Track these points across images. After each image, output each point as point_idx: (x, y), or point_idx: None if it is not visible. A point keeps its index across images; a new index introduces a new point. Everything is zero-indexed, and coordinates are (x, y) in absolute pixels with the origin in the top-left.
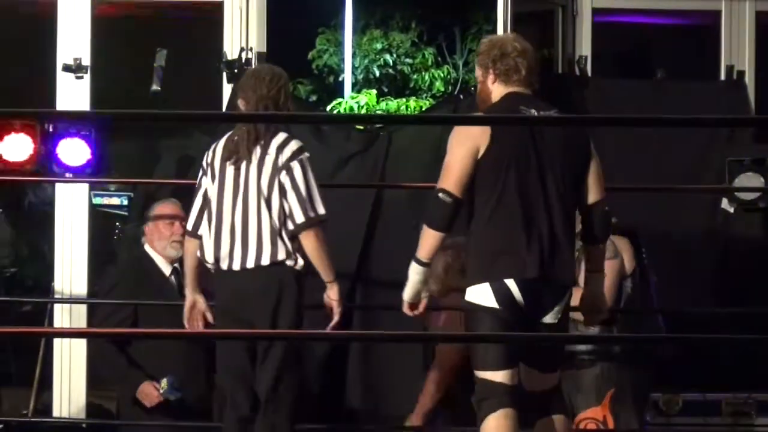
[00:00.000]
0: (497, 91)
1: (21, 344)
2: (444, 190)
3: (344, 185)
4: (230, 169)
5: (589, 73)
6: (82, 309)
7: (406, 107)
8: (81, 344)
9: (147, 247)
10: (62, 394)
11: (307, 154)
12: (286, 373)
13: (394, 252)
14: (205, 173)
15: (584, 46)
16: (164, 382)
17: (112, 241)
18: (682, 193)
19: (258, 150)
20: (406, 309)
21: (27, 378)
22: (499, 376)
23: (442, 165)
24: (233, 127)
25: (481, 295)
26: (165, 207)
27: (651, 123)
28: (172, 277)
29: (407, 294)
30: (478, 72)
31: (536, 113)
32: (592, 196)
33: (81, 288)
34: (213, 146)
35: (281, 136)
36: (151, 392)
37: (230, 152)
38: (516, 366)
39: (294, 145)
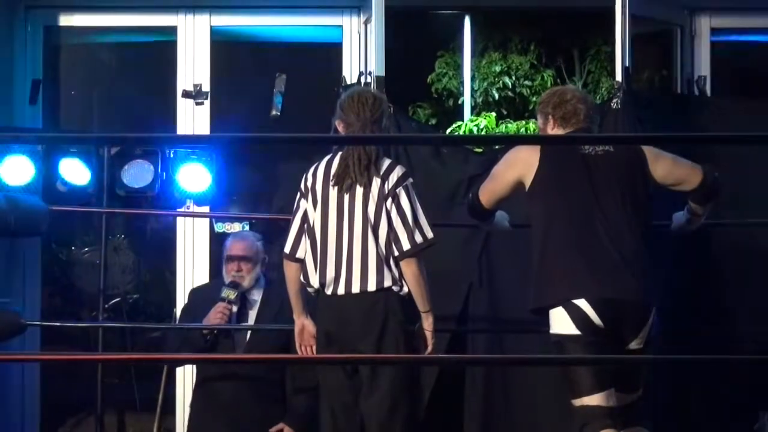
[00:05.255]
0: (557, 134)
1: (144, 369)
2: (477, 196)
3: (455, 225)
4: (334, 194)
5: (708, 93)
6: None
7: (526, 129)
8: None
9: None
10: (185, 419)
11: (411, 180)
12: (400, 402)
13: (509, 272)
14: (304, 196)
15: (703, 66)
16: (227, 292)
17: None
18: None
19: (365, 176)
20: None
21: (150, 403)
22: (595, 400)
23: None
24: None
25: (562, 323)
26: (236, 247)
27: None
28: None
29: None
30: (540, 121)
31: (593, 148)
32: (690, 181)
33: None
34: (312, 169)
35: (385, 162)
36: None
37: (339, 177)
38: (610, 387)
39: (399, 171)
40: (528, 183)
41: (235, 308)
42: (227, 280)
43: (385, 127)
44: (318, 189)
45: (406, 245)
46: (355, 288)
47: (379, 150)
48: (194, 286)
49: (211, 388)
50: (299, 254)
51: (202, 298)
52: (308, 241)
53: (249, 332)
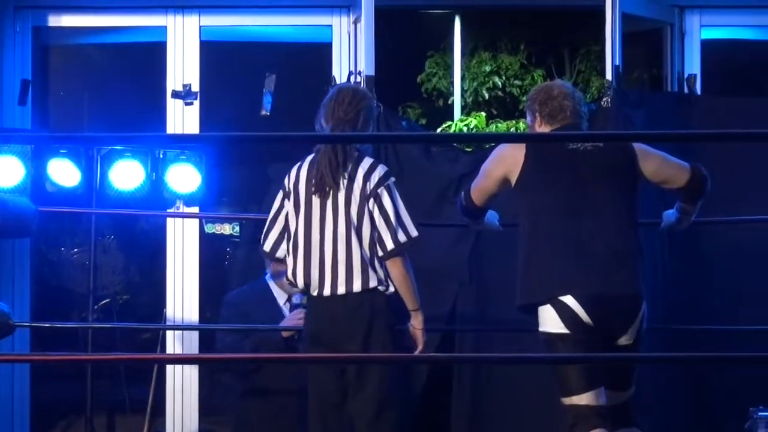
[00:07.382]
0: (544, 130)
1: (134, 371)
2: (468, 194)
3: (446, 225)
4: (317, 199)
5: (699, 91)
6: (194, 335)
7: (516, 129)
8: (193, 370)
9: (268, 278)
10: (175, 421)
11: (393, 179)
12: (388, 402)
13: (498, 272)
14: (287, 196)
15: (693, 65)
16: (305, 299)
17: (224, 268)
18: None
19: (345, 177)
20: None
21: (140, 404)
22: (584, 399)
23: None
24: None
25: (551, 322)
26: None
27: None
28: (284, 307)
29: None
30: (528, 118)
31: (582, 144)
32: (678, 179)
33: (193, 314)
34: (296, 169)
35: (367, 162)
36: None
37: (316, 181)
38: (600, 386)
39: (380, 170)
40: (514, 179)
41: None
42: (276, 278)
43: (362, 127)
44: (300, 191)
45: (390, 244)
46: (341, 289)
47: (351, 150)
48: (229, 293)
49: (262, 398)
50: (279, 254)
51: (251, 302)
52: (291, 244)
53: None
